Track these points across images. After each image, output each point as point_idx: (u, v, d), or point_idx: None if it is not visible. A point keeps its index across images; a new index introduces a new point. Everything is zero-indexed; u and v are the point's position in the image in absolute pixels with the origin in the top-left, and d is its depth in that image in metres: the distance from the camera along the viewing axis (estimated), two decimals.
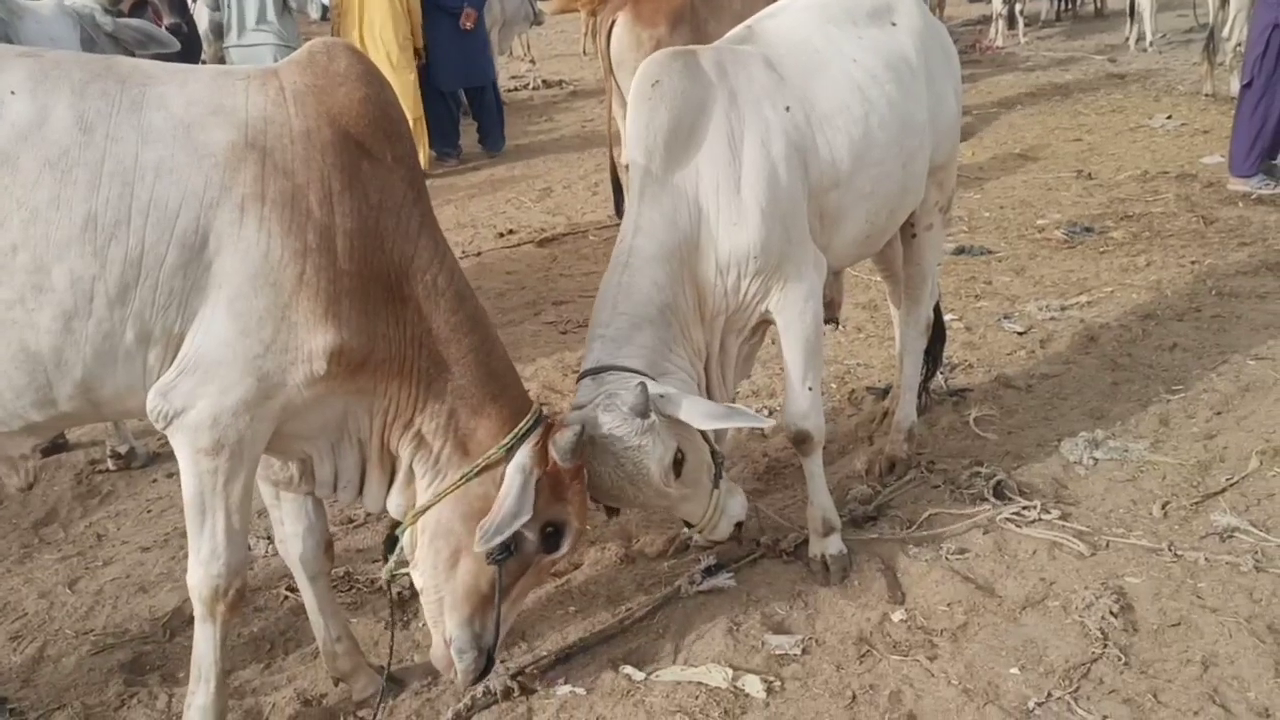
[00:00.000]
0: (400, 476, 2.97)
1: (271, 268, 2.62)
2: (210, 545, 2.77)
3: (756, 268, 3.37)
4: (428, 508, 2.90)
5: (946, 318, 5.90)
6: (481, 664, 2.98)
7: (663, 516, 4.04)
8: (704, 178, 3.35)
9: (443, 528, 2.90)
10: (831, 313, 4.30)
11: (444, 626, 2.97)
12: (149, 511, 4.41)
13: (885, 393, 4.98)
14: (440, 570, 2.92)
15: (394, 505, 3.01)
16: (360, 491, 3.02)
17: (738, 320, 3.51)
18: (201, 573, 2.79)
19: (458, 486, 2.88)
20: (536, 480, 2.87)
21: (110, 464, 4.73)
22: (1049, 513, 3.97)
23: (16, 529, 4.30)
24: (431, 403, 2.87)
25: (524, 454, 2.88)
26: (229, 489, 2.74)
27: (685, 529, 3.61)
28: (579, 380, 3.26)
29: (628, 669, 3.31)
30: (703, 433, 3.24)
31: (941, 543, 3.87)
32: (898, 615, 3.51)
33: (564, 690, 3.24)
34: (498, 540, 2.78)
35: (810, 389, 3.57)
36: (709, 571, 3.71)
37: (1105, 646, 3.30)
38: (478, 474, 2.88)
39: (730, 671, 3.25)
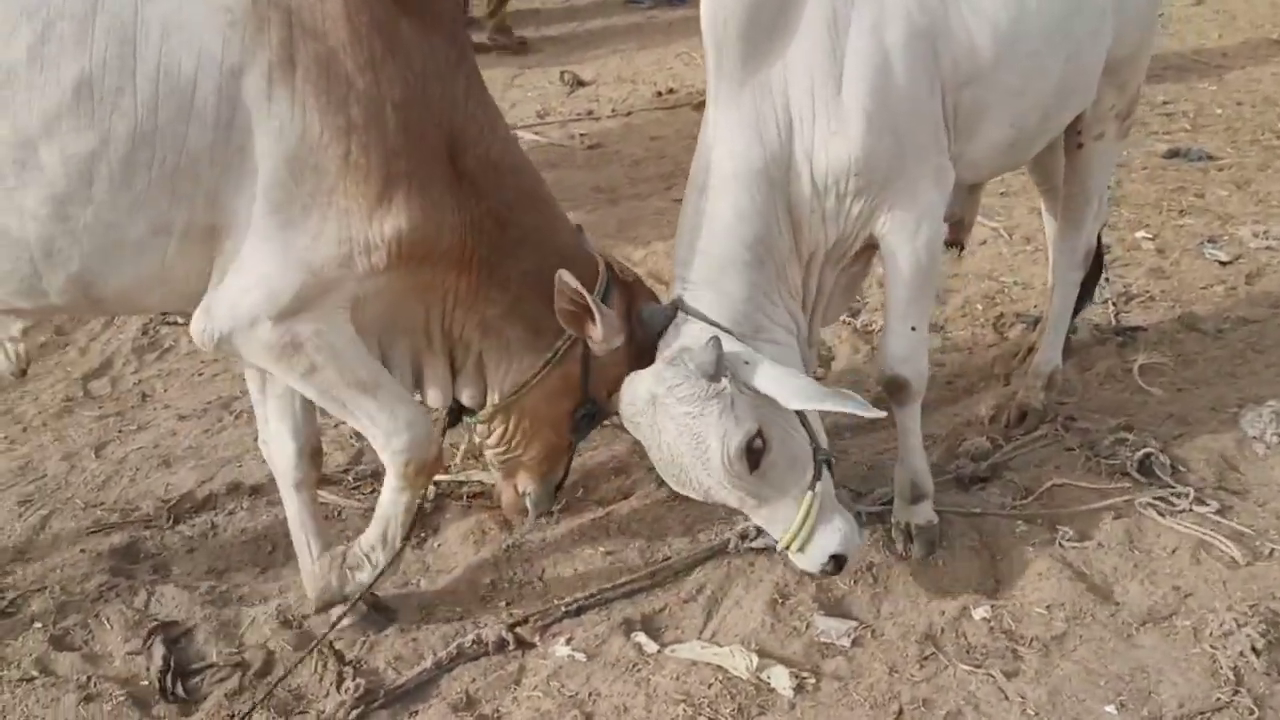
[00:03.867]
0: (470, 365, 2.76)
1: (310, 149, 2.28)
2: (378, 428, 2.61)
3: (858, 186, 2.72)
4: (514, 397, 2.76)
5: (1137, 235, 5.09)
6: (552, 500, 3.12)
7: None
8: (796, 75, 2.68)
9: (529, 411, 2.79)
10: (958, 235, 3.60)
11: (518, 482, 2.99)
12: (200, 374, 4.17)
13: (1038, 322, 4.22)
14: (522, 444, 2.87)
15: (468, 396, 2.82)
16: (417, 386, 2.77)
17: (838, 250, 2.88)
18: (388, 455, 2.68)
19: (542, 372, 2.73)
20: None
21: (180, 316, 4.49)
22: (1204, 503, 3.21)
23: (67, 379, 4.14)
24: (496, 291, 2.64)
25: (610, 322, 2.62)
26: (346, 373, 2.50)
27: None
28: None
29: (641, 637, 2.84)
30: (804, 420, 2.67)
31: (1060, 524, 3.19)
32: (981, 611, 2.90)
33: (563, 652, 2.81)
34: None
35: (914, 329, 2.92)
36: None
37: (1236, 693, 2.62)
38: (561, 357, 2.72)
39: (756, 659, 2.74)
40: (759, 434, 2.53)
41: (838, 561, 2.65)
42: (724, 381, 2.50)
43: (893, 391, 3.04)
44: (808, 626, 2.87)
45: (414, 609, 3.00)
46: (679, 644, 2.82)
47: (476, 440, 3.02)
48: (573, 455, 3.04)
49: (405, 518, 2.82)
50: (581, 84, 7.62)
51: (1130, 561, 3.06)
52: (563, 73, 7.81)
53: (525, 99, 7.55)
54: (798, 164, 2.73)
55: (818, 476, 2.64)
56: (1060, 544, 3.12)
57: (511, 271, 2.62)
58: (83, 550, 3.21)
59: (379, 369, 2.59)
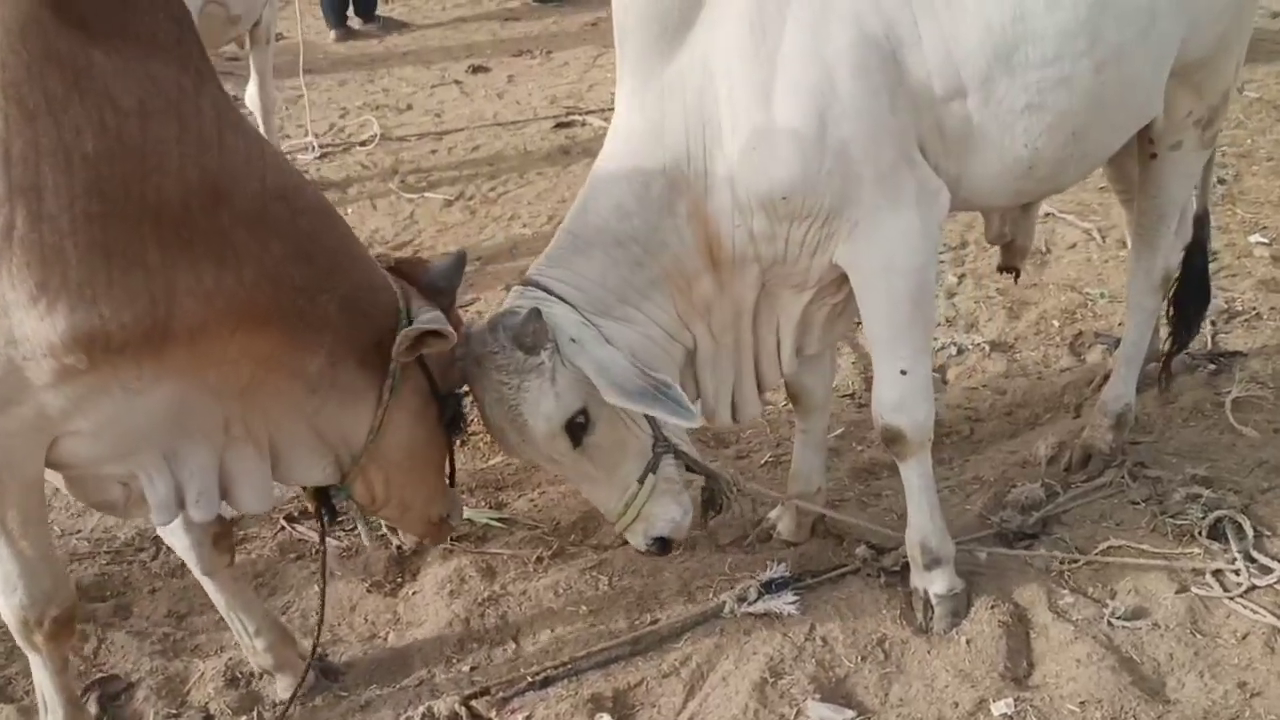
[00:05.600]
0: (309, 439, 2.32)
1: None
2: (2, 576, 2.15)
3: (792, 210, 2.38)
4: (371, 441, 2.34)
5: (1250, 239, 4.51)
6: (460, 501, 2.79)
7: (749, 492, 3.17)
8: (712, 78, 2.35)
9: (403, 447, 2.41)
10: (1011, 260, 3.15)
11: (431, 514, 2.63)
12: None
13: (1119, 344, 3.74)
14: (414, 485, 2.52)
15: (325, 474, 2.39)
16: (229, 497, 2.31)
17: (790, 275, 2.52)
18: (2, 602, 2.18)
19: (386, 401, 2.32)
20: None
21: None
22: None
23: None
24: (314, 335, 2.19)
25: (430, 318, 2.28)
26: None
27: None
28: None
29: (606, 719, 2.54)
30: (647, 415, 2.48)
31: (1112, 595, 2.77)
32: (1001, 706, 2.50)
33: None
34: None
35: (904, 373, 2.54)
36: (769, 587, 2.82)
37: None
38: (400, 376, 2.33)
39: None
40: (583, 411, 2.42)
41: (662, 544, 2.64)
42: (543, 355, 2.36)
43: (888, 443, 2.67)
44: (797, 714, 2.52)
45: (371, 668, 2.75)
46: None
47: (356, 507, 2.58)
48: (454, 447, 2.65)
49: (51, 680, 2.30)
50: None
51: (1189, 647, 2.61)
52: None
53: (605, 80, 7.23)
54: (715, 173, 2.42)
55: (652, 469, 2.54)
56: (1108, 620, 2.69)
57: (329, 307, 2.19)
58: None
59: (35, 519, 2.15)
